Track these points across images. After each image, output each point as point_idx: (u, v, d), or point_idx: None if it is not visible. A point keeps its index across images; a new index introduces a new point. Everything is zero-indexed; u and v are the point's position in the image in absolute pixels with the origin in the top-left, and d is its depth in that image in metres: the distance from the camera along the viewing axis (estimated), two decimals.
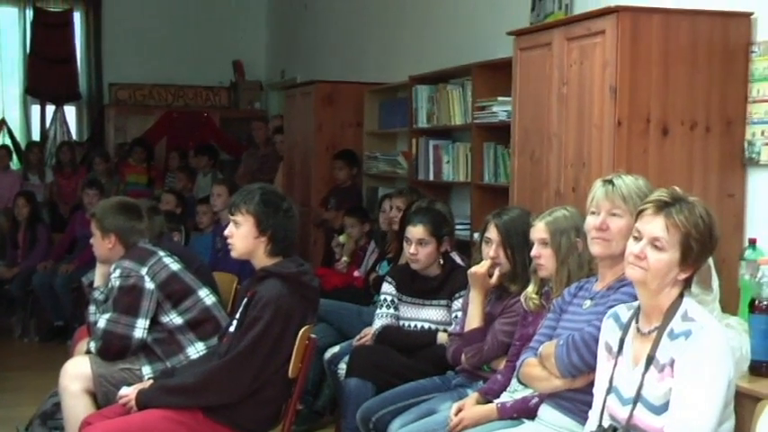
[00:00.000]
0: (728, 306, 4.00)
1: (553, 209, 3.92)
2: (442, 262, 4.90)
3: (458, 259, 5.15)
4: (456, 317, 4.63)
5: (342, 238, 6.92)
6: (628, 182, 3.40)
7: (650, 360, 2.91)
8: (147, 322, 4.46)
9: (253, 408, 3.93)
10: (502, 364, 4.02)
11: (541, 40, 4.85)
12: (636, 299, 3.09)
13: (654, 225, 2.93)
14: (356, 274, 6.61)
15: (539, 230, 3.80)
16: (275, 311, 3.87)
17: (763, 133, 4.34)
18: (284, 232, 4.00)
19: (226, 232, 4.10)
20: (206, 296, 4.63)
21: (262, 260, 4.03)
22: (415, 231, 4.83)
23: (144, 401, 3.93)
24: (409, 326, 4.92)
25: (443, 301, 4.84)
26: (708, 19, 4.37)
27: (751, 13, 4.40)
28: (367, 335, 5.10)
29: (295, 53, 11.26)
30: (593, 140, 4.40)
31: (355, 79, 8.76)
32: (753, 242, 4.12)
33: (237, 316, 4.06)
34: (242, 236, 4.00)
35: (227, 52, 12.14)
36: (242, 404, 3.90)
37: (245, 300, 4.03)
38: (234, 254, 4.10)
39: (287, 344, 3.92)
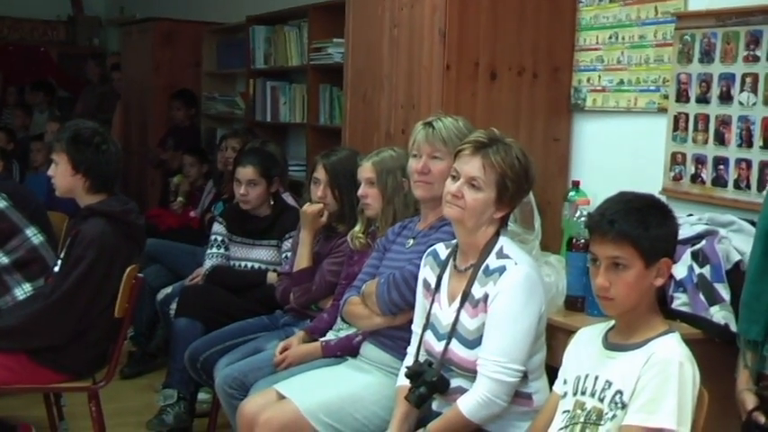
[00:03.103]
0: (553, 245, 4.13)
1: (380, 149, 3.95)
2: (272, 202, 4.89)
3: (290, 200, 5.16)
4: (286, 257, 4.65)
5: (176, 179, 6.84)
6: (447, 124, 3.43)
7: (465, 296, 2.98)
8: None
9: (78, 350, 3.86)
10: (329, 303, 4.05)
11: None
12: (455, 237, 3.15)
13: (471, 165, 2.98)
14: (192, 214, 6.56)
15: (366, 170, 3.83)
16: (99, 250, 3.80)
17: (588, 80, 4.46)
18: (101, 168, 3.91)
19: (48, 172, 4.01)
20: (33, 235, 4.49)
21: (84, 198, 3.94)
22: (245, 172, 4.81)
23: None
24: (239, 266, 4.91)
25: (274, 242, 4.84)
26: None
27: None
28: (198, 275, 5.07)
29: None
30: (422, 83, 4.43)
31: (195, 18, 8.62)
32: (576, 184, 4.26)
33: (62, 255, 3.97)
34: (60, 174, 3.92)
35: None
36: (67, 346, 3.82)
37: (69, 239, 3.94)
38: (57, 192, 4.02)
39: (112, 284, 3.85)
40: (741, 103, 3.68)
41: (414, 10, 4.50)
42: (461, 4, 4.27)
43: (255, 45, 7.12)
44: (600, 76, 4.40)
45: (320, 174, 4.21)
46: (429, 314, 3.11)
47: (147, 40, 8.61)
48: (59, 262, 3.96)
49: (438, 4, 4.30)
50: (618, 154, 4.31)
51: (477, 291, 2.96)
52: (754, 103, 3.62)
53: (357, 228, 3.94)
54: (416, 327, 3.19)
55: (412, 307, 3.26)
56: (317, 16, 6.25)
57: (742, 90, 3.68)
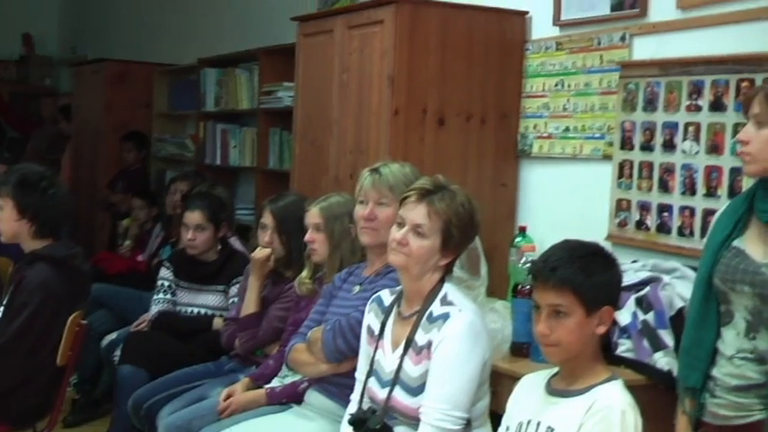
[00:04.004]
0: (499, 290, 4.15)
1: (328, 195, 3.95)
2: (220, 247, 4.87)
3: (237, 245, 5.15)
4: (233, 302, 4.62)
5: (125, 222, 6.79)
6: (394, 170, 3.44)
7: (409, 343, 2.97)
8: None
9: (19, 398, 3.78)
10: (275, 350, 4.03)
11: (324, 26, 4.87)
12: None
13: (416, 212, 2.99)
14: (140, 258, 6.50)
15: (313, 215, 3.82)
16: (43, 296, 3.74)
17: (535, 127, 4.51)
18: (47, 213, 3.87)
19: None
20: None
21: (29, 243, 3.89)
22: (193, 217, 4.79)
23: None
24: (186, 311, 4.88)
25: (220, 287, 4.82)
26: (485, 15, 4.50)
27: (526, 12, 4.56)
28: (144, 321, 5.01)
29: (87, 29, 10.94)
30: (371, 128, 4.45)
31: (147, 59, 8.60)
32: (522, 230, 4.29)
33: (5, 302, 3.91)
34: (5, 219, 3.87)
35: (16, 24, 11.62)
36: (8, 394, 3.74)
37: (13, 285, 3.89)
38: (2, 238, 3.96)
39: (56, 330, 3.80)
40: (684, 152, 3.73)
41: (363, 55, 4.52)
42: (410, 49, 4.30)
43: (206, 87, 7.11)
44: (546, 123, 4.44)
45: (267, 219, 4.20)
46: (372, 361, 3.10)
47: (98, 81, 8.57)
48: (2, 308, 3.90)
49: (387, 50, 4.32)
50: (564, 200, 4.35)
51: (420, 338, 2.96)
52: (697, 152, 3.68)
53: (304, 273, 3.93)
54: (360, 374, 3.17)
55: (358, 354, 3.25)
56: (267, 60, 6.27)
57: (685, 139, 3.73)
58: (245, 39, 6.85)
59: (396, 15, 4.28)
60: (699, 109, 3.67)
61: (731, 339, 2.67)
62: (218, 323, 4.69)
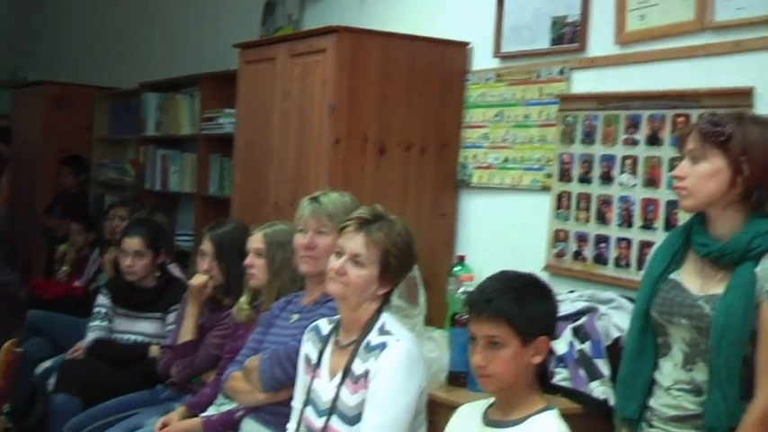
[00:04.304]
0: (438, 319, 4.16)
1: (274, 222, 3.94)
2: (158, 274, 4.83)
3: (176, 271, 5.10)
4: (170, 329, 4.58)
5: (63, 247, 6.71)
6: (334, 199, 3.44)
7: (347, 372, 2.96)
8: None
9: None
10: (212, 378, 4.00)
11: (267, 54, 4.88)
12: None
13: (354, 242, 2.99)
14: (77, 284, 6.42)
15: (256, 240, 3.81)
16: None
17: (474, 157, 4.54)
18: None
19: None
20: None
21: None
22: (131, 243, 4.75)
23: None
24: (123, 338, 4.82)
25: (158, 314, 4.78)
26: (426, 45, 4.53)
27: (467, 44, 4.60)
28: (79, 348, 4.95)
29: (29, 52, 10.81)
30: (311, 156, 4.45)
31: (88, 82, 8.52)
32: (461, 259, 4.31)
33: None
34: None
35: None
36: None
37: None
38: None
39: None
40: (621, 184, 3.78)
41: (305, 83, 4.53)
42: (352, 78, 4.32)
43: (147, 112, 7.07)
44: (486, 154, 4.48)
45: (207, 247, 4.18)
46: (309, 390, 3.08)
47: (38, 104, 8.47)
48: None
49: (328, 79, 4.34)
50: (503, 230, 4.38)
51: (358, 367, 2.95)
52: (634, 185, 3.73)
53: (243, 299, 3.91)
54: (297, 402, 3.15)
55: (294, 383, 3.23)
56: (209, 85, 6.26)
57: (622, 171, 3.78)
58: (187, 64, 6.83)
59: (338, 44, 4.30)
60: (636, 143, 3.73)
61: (668, 371, 2.70)
62: (154, 351, 4.65)
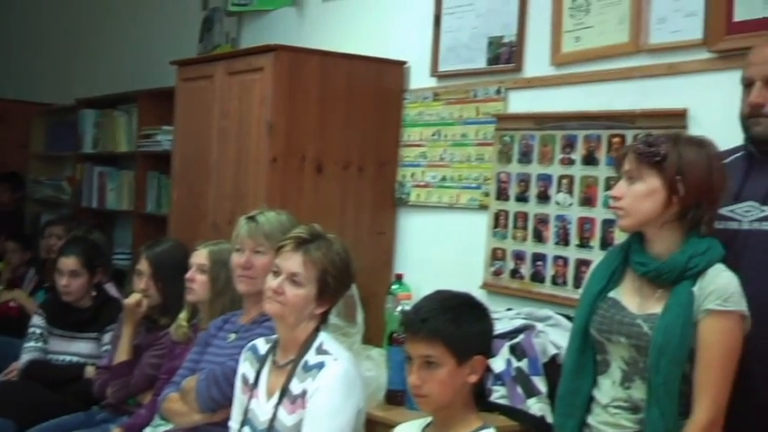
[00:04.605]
0: (376, 338, 4.15)
1: (219, 240, 3.90)
2: (94, 293, 4.78)
3: (113, 291, 5.05)
4: (106, 350, 4.52)
5: None
6: (270, 218, 3.43)
7: (284, 392, 2.95)
8: None
9: None
10: (148, 398, 3.96)
11: (204, 72, 4.87)
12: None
13: (292, 261, 2.98)
14: (12, 303, 6.31)
15: (200, 256, 3.78)
16: None
17: (412, 175, 4.56)
18: None
19: None
20: None
21: None
22: (67, 262, 4.69)
23: None
24: (58, 359, 4.75)
25: (94, 335, 4.71)
26: (364, 64, 4.55)
27: (404, 63, 4.62)
28: (13, 370, 4.86)
29: None
30: (249, 175, 4.44)
31: (24, 98, 8.41)
32: (399, 277, 4.32)
33: None
34: None
35: None
36: None
37: None
38: None
39: None
40: (558, 203, 3.82)
41: (242, 101, 4.52)
42: (289, 97, 4.32)
43: (84, 129, 7.01)
44: (424, 172, 4.50)
45: (144, 266, 4.14)
46: (247, 410, 3.07)
47: None
48: None
49: (266, 97, 4.34)
50: (441, 248, 4.40)
51: (295, 387, 2.94)
52: (571, 204, 3.77)
53: (182, 315, 3.87)
54: (234, 423, 3.13)
55: (232, 403, 3.21)
56: (147, 102, 6.22)
57: (559, 191, 3.82)
58: (125, 80, 6.79)
59: (275, 63, 4.31)
60: (572, 162, 3.77)
61: (607, 388, 2.72)
62: (90, 372, 4.58)
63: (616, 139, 3.61)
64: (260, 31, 5.66)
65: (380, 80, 4.58)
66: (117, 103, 6.69)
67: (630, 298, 2.71)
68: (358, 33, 4.91)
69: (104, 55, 7.60)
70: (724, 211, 2.73)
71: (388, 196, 4.62)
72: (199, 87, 4.88)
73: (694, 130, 3.27)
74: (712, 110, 3.28)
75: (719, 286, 2.54)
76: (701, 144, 2.66)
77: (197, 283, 3.76)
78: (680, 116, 3.39)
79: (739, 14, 3.25)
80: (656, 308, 2.62)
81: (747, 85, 2.76)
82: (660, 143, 2.61)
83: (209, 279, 3.74)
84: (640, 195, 2.62)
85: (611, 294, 2.75)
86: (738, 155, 2.83)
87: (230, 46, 5.76)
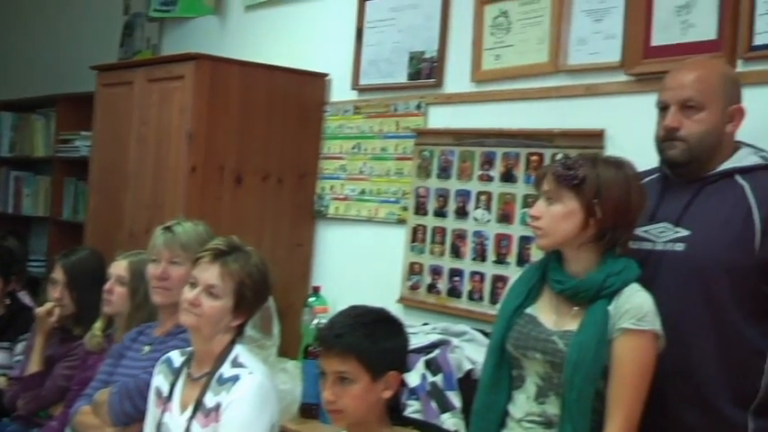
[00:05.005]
0: (292, 350, 4.16)
1: (140, 251, 3.83)
2: (8, 302, 4.69)
3: (26, 299, 4.96)
4: (18, 360, 4.44)
5: None
6: (187, 229, 3.40)
7: (198, 405, 2.93)
8: None
9: None
10: (59, 410, 3.89)
11: (124, 77, 4.82)
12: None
13: (209, 273, 2.96)
14: None
15: (120, 267, 3.73)
16: None
17: (332, 188, 4.57)
18: None
19: None
20: None
21: None
22: None
23: None
24: None
25: (6, 344, 4.62)
26: (285, 75, 4.55)
27: (326, 75, 4.63)
28: None
29: None
30: (168, 184, 4.41)
31: None
32: (316, 290, 4.32)
33: None
34: None
35: None
36: None
37: None
38: None
39: None
40: (476, 219, 3.86)
41: (162, 109, 4.49)
42: (210, 106, 4.30)
43: (1, 131, 6.90)
44: (343, 185, 4.52)
45: (58, 274, 4.07)
46: (160, 424, 3.04)
47: None
48: None
49: (186, 106, 4.31)
50: (359, 262, 4.41)
51: (209, 400, 2.92)
52: (488, 220, 3.81)
53: (97, 324, 3.81)
54: None
55: (145, 417, 3.18)
56: (65, 107, 6.15)
57: (477, 206, 3.85)
58: (44, 83, 6.69)
59: (196, 71, 4.28)
60: (491, 179, 3.81)
61: (521, 403, 2.75)
62: (1, 382, 4.49)
63: (534, 158, 3.66)
64: (181, 38, 5.62)
65: (301, 92, 4.58)
66: (35, 106, 6.60)
67: (547, 315, 2.74)
68: (280, 44, 4.91)
69: (23, 57, 7.47)
70: (639, 231, 2.77)
71: (306, 208, 4.62)
72: (118, 93, 4.83)
73: (611, 150, 3.32)
74: (629, 131, 3.34)
75: (634, 305, 2.59)
76: (620, 166, 2.70)
77: (115, 295, 3.70)
78: (597, 137, 3.44)
79: (657, 39, 3.32)
80: (572, 325, 2.65)
81: (663, 108, 2.81)
82: (578, 166, 2.65)
83: (128, 291, 3.69)
84: (558, 216, 2.66)
85: (528, 311, 2.77)
86: (654, 177, 2.89)
87: (151, 52, 5.71)
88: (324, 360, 2.59)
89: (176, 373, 3.09)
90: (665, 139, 2.78)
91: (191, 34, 5.56)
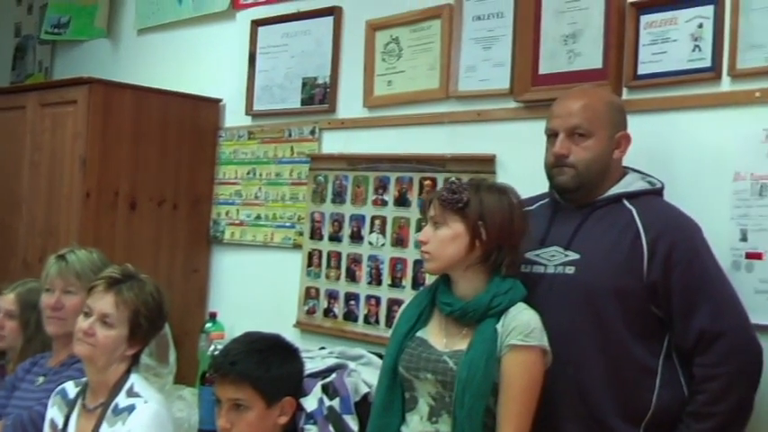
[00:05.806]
0: (189, 377, 4.13)
1: (26, 280, 3.79)
2: None
3: None
4: None
5: None
6: (81, 257, 3.37)
7: None
8: None
9: None
10: None
11: (16, 102, 4.75)
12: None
13: (104, 302, 2.94)
14: None
15: (7, 301, 3.66)
16: None
17: (227, 213, 4.57)
18: None
19: None
20: None
21: None
22: None
23: None
24: None
25: None
26: (179, 101, 4.55)
27: (220, 100, 4.64)
28: None
29: None
30: (62, 210, 4.36)
31: None
32: (213, 316, 4.30)
33: None
34: None
35: None
36: None
37: None
38: None
39: None
40: (371, 243, 3.90)
41: (55, 135, 4.44)
42: (103, 131, 4.28)
43: None
44: (238, 210, 4.52)
45: None
46: None
47: None
48: None
49: (80, 131, 4.27)
50: (255, 287, 4.41)
51: (105, 431, 2.90)
52: (383, 244, 3.85)
53: None
54: None
55: None
56: None
57: (372, 231, 3.90)
58: None
59: (89, 96, 4.26)
60: (385, 203, 3.86)
61: (415, 424, 2.78)
62: None
63: (427, 182, 3.72)
64: (74, 61, 5.57)
65: (195, 117, 4.58)
66: None
67: (437, 337, 2.79)
68: (173, 69, 4.90)
69: None
70: (531, 255, 2.85)
71: (202, 234, 4.61)
72: (10, 118, 4.75)
73: (502, 175, 3.41)
74: (519, 156, 3.41)
75: (521, 323, 2.65)
76: (503, 191, 2.77)
77: (7, 330, 3.63)
78: (489, 161, 3.52)
79: (544, 68, 3.41)
80: (462, 345, 2.70)
81: (551, 135, 2.89)
82: (462, 190, 2.72)
83: (18, 324, 3.62)
84: (446, 240, 2.72)
85: (419, 334, 2.82)
86: (544, 201, 2.97)
87: (43, 75, 5.65)
88: (219, 387, 2.60)
89: (71, 404, 3.05)
90: (555, 165, 2.86)
91: (83, 57, 5.52)
